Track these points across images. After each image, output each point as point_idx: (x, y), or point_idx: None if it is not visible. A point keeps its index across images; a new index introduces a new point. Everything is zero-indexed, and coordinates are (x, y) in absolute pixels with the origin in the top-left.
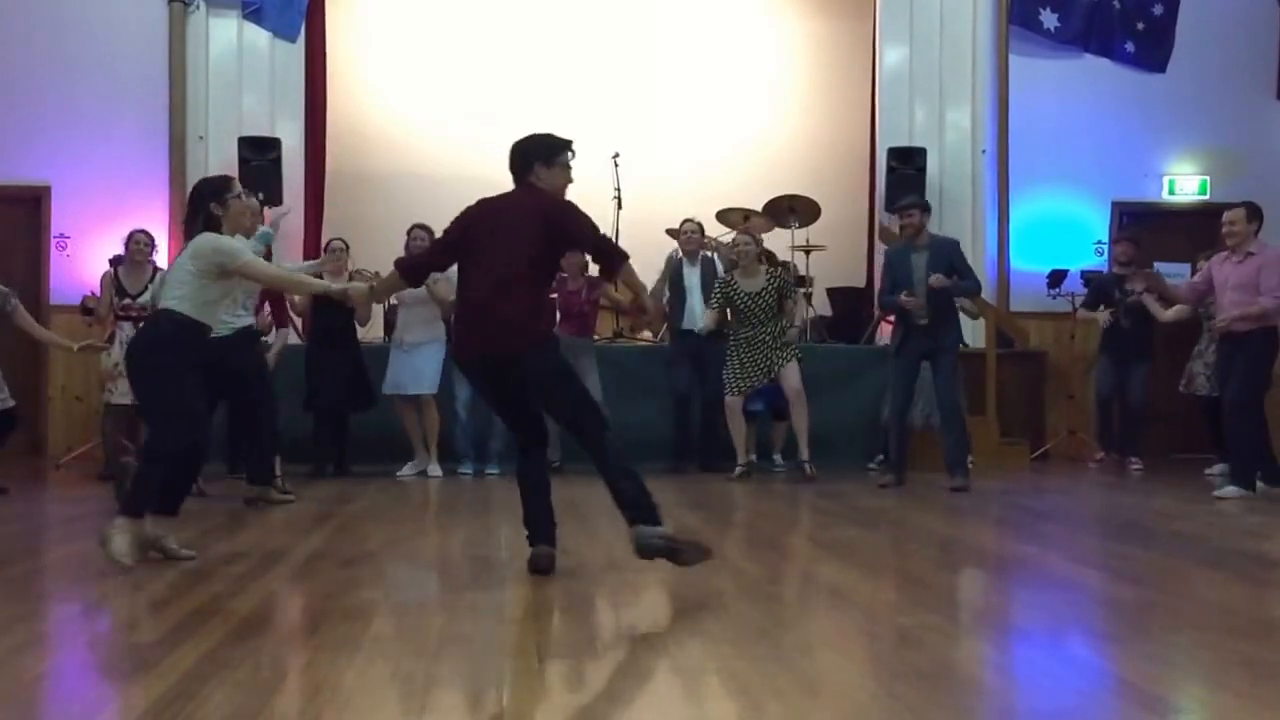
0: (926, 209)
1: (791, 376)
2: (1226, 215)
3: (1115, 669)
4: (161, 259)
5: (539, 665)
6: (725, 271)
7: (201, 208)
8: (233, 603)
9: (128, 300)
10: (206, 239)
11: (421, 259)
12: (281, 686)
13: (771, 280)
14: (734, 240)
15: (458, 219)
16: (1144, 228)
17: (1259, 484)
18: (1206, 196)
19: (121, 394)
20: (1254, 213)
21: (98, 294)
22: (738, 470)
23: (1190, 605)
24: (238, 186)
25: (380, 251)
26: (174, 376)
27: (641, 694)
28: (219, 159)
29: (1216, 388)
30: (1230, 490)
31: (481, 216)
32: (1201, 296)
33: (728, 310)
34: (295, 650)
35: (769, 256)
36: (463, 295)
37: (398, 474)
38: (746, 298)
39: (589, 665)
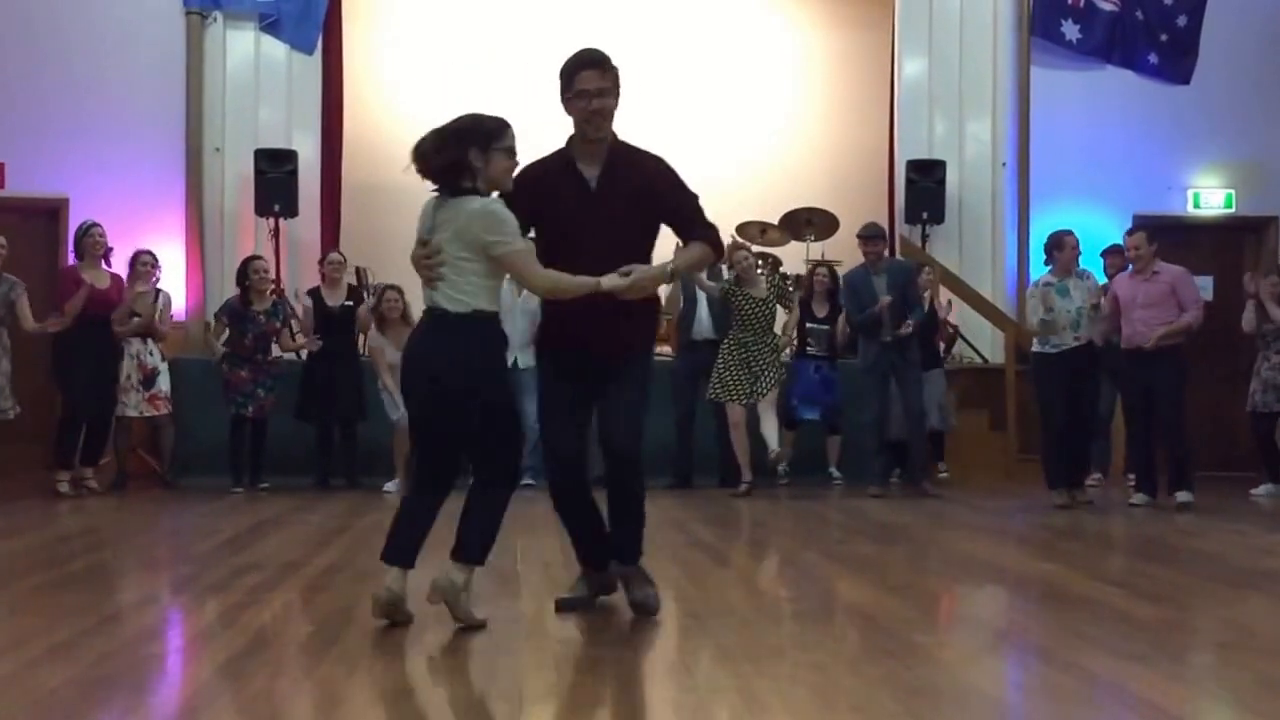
0: (886, 239)
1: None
2: (1129, 240)
3: (1138, 689)
4: (176, 272)
5: (556, 679)
6: (730, 278)
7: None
8: (248, 615)
9: (136, 318)
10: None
11: None
12: (296, 699)
13: (772, 289)
14: (729, 256)
15: None
16: (1165, 242)
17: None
18: (1232, 210)
19: (133, 407)
20: (1153, 236)
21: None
22: (742, 486)
23: (1213, 624)
24: (510, 134)
25: (396, 264)
26: None
27: (660, 710)
28: (235, 171)
29: (1270, 402)
30: (1183, 496)
31: None
32: (1116, 319)
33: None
34: (310, 664)
35: (774, 263)
36: None
37: (384, 489)
38: (752, 303)
39: (607, 681)
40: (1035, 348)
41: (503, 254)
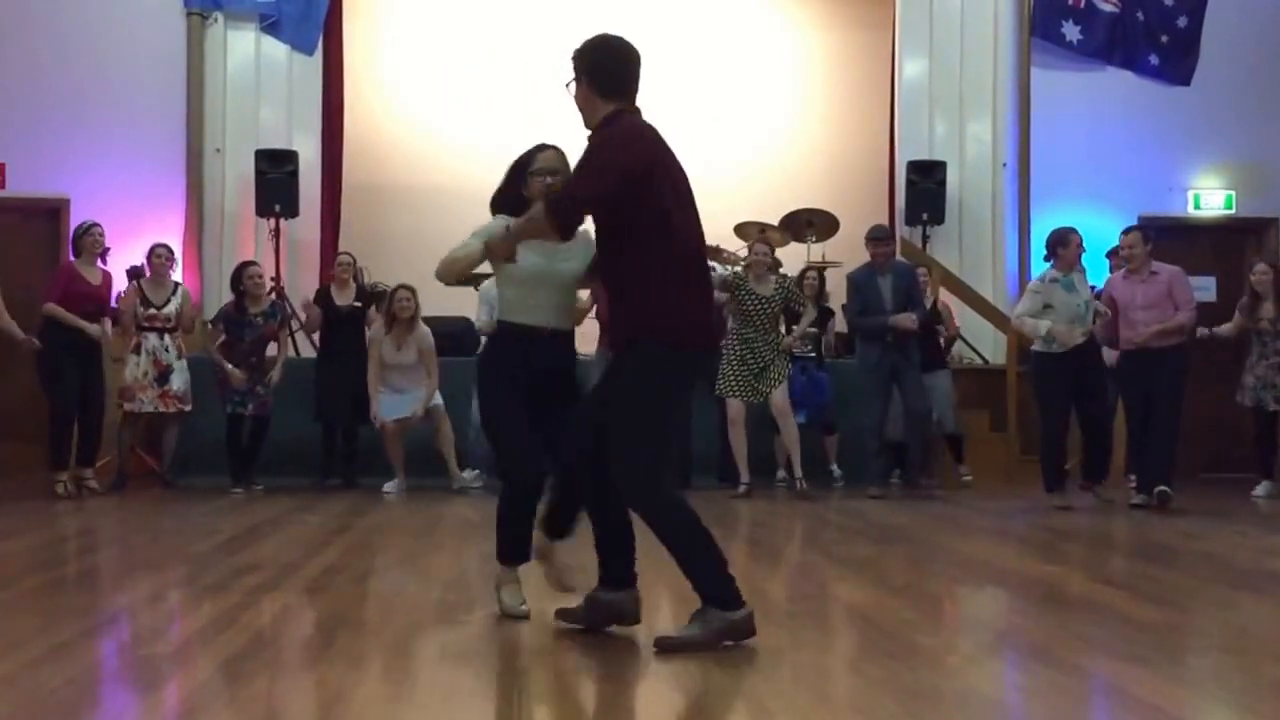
0: (894, 240)
1: (777, 395)
2: (1124, 239)
3: (1139, 691)
4: (179, 272)
5: (556, 679)
6: (740, 268)
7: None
8: (247, 615)
9: (152, 311)
10: None
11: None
12: (295, 701)
13: (780, 290)
14: (750, 248)
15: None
16: (1166, 243)
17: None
18: (1232, 211)
19: (149, 403)
20: (1148, 235)
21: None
22: (741, 487)
23: (1216, 627)
24: (539, 158)
25: (396, 264)
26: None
27: (660, 712)
28: (236, 171)
29: (1266, 400)
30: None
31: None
32: (1115, 321)
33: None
34: (309, 665)
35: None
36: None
37: (384, 489)
38: (757, 300)
39: (607, 684)
40: (1038, 347)
41: None
